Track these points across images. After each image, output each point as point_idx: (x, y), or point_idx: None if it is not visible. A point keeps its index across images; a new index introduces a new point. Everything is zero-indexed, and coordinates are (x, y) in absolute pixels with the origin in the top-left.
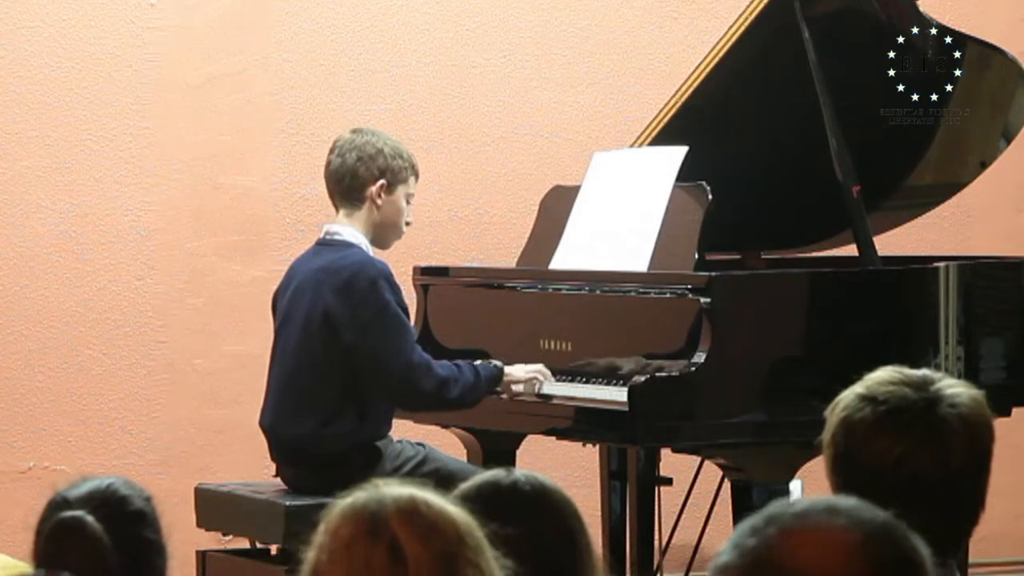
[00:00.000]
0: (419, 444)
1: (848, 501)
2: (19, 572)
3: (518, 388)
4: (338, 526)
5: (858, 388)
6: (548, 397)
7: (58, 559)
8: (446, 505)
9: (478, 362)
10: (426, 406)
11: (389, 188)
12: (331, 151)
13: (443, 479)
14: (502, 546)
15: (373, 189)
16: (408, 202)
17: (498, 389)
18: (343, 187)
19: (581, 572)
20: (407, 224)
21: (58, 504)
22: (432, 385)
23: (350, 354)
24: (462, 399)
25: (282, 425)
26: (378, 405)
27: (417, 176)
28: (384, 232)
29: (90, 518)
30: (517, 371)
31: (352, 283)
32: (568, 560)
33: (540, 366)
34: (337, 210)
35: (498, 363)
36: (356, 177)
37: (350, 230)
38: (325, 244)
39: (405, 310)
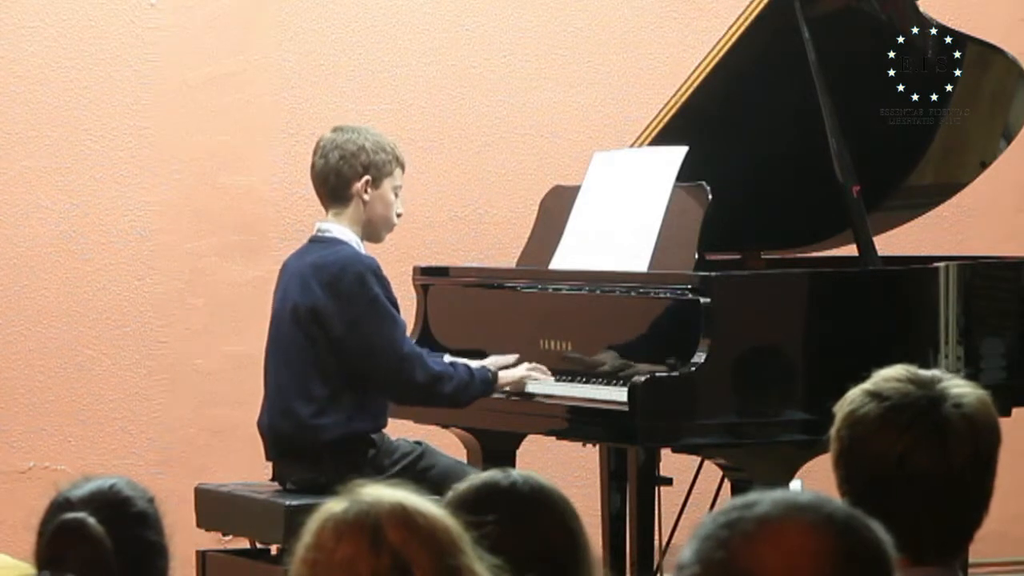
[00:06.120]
0: (416, 442)
1: (807, 496)
2: (20, 573)
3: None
4: (334, 543)
5: (866, 384)
6: (548, 397)
7: (59, 561)
8: (434, 509)
9: (475, 365)
10: (418, 399)
11: (375, 183)
12: (315, 152)
13: (440, 477)
14: (501, 547)
15: (358, 186)
16: (396, 194)
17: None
18: (329, 187)
19: (580, 572)
20: (398, 215)
21: (60, 505)
22: (425, 377)
23: (341, 347)
24: (455, 397)
25: (277, 418)
26: (373, 397)
27: (403, 167)
28: (375, 227)
29: (92, 520)
30: (512, 374)
31: (340, 278)
32: (567, 560)
33: (534, 366)
34: (326, 210)
35: (493, 370)
36: (340, 176)
37: (340, 228)
38: (316, 241)
39: (394, 303)
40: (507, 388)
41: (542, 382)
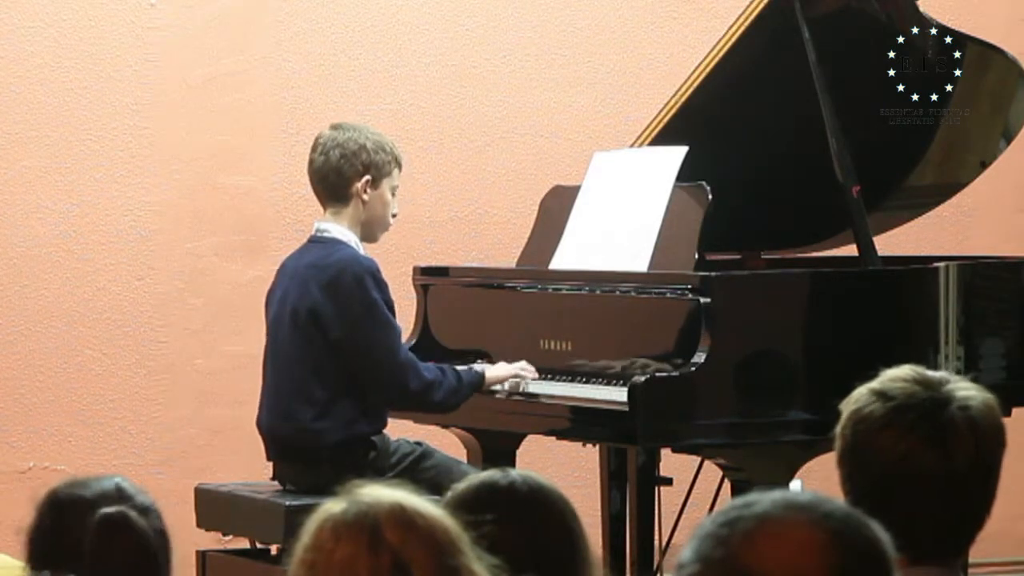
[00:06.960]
0: (417, 443)
1: (806, 496)
2: (20, 573)
3: (502, 387)
4: (332, 544)
5: (873, 383)
6: (548, 397)
7: (106, 556)
8: (433, 509)
9: (461, 367)
10: (410, 405)
11: (374, 183)
12: (314, 149)
13: (440, 477)
14: (500, 547)
15: (358, 185)
16: (393, 194)
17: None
18: (328, 185)
19: (580, 572)
20: (393, 216)
21: (64, 505)
22: (417, 385)
23: (339, 349)
24: (444, 403)
25: (277, 421)
26: (372, 399)
27: (401, 167)
28: (371, 227)
29: (133, 512)
30: (499, 371)
31: (338, 280)
32: (566, 560)
33: (523, 363)
34: (324, 208)
35: (480, 369)
36: (341, 175)
37: (339, 228)
38: (315, 241)
39: (391, 307)
40: (502, 386)
41: (542, 382)
